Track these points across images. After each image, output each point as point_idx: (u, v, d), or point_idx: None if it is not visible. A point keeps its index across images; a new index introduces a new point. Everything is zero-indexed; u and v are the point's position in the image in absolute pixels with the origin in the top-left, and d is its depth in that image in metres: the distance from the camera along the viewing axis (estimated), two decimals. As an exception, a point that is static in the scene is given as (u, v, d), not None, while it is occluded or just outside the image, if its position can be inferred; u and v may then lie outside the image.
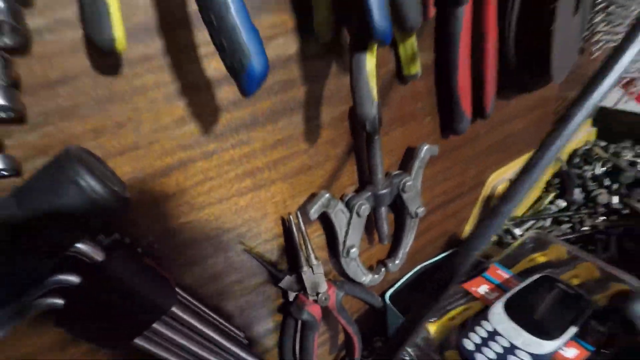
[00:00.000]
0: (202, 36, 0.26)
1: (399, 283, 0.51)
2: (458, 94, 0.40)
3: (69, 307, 0.25)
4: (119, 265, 0.26)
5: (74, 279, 0.25)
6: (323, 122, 0.34)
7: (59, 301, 0.25)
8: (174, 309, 0.30)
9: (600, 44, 0.52)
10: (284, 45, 0.29)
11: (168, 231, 0.30)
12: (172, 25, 0.25)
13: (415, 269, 0.53)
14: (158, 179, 0.28)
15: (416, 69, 0.36)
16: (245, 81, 0.19)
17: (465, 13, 0.36)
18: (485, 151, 0.53)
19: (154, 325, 0.29)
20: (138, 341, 0.29)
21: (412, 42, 0.34)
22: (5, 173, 0.21)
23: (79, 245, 0.24)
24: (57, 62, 0.22)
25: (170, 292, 0.30)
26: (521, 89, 0.49)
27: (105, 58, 0.23)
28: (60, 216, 0.21)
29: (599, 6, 0.49)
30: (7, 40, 0.19)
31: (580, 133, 0.69)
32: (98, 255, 0.25)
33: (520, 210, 0.64)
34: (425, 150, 0.42)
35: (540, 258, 0.49)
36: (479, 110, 0.44)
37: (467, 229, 0.59)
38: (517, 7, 0.40)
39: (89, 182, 0.21)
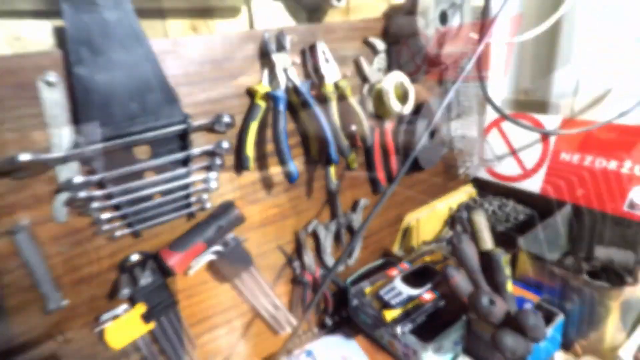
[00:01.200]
0: (271, 161, 0.70)
1: (355, 275, 0.93)
2: (377, 174, 0.86)
3: (220, 254, 0.67)
4: (237, 245, 0.68)
5: (221, 247, 0.66)
6: (314, 189, 0.79)
7: (221, 249, 0.66)
8: (251, 268, 0.71)
9: (458, 146, 0.99)
10: (299, 161, 0.74)
11: (249, 234, 0.72)
12: (260, 158, 0.69)
13: (364, 268, 0.95)
14: (245, 210, 0.71)
15: (355, 165, 0.81)
16: (291, 179, 0.63)
17: (375, 141, 0.82)
18: (400, 202, 0.98)
19: (243, 272, 0.70)
20: (235, 279, 0.70)
21: (352, 154, 0.80)
22: (208, 208, 0.64)
23: (226, 236, 0.66)
24: (228, 171, 0.66)
25: (251, 259, 0.71)
26: (413, 171, 0.95)
27: (240, 172, 0.67)
28: (226, 226, 0.64)
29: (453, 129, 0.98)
30: (219, 162, 0.63)
31: (466, 190, 1.15)
32: (232, 241, 0.67)
33: (430, 236, 1.08)
34: (362, 202, 0.86)
35: (428, 258, 0.92)
36: (391, 181, 0.90)
37: (395, 246, 1.02)
38: (402, 136, 0.87)
39: (237, 210, 0.64)
